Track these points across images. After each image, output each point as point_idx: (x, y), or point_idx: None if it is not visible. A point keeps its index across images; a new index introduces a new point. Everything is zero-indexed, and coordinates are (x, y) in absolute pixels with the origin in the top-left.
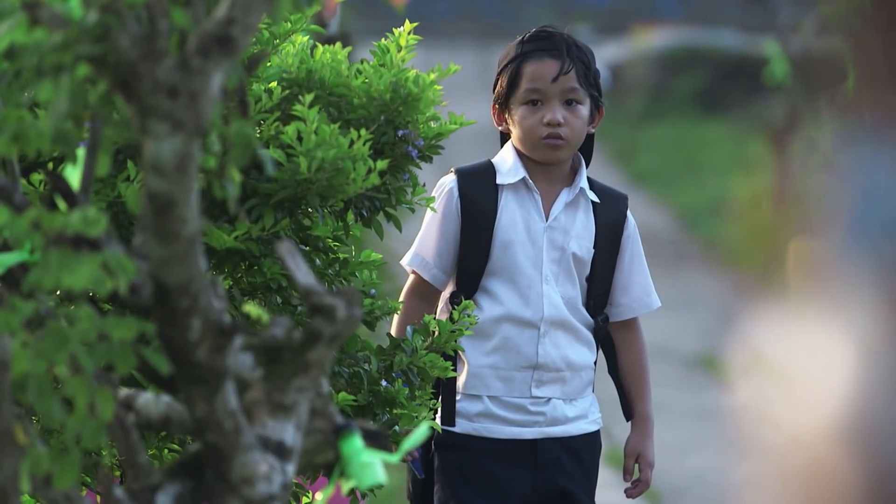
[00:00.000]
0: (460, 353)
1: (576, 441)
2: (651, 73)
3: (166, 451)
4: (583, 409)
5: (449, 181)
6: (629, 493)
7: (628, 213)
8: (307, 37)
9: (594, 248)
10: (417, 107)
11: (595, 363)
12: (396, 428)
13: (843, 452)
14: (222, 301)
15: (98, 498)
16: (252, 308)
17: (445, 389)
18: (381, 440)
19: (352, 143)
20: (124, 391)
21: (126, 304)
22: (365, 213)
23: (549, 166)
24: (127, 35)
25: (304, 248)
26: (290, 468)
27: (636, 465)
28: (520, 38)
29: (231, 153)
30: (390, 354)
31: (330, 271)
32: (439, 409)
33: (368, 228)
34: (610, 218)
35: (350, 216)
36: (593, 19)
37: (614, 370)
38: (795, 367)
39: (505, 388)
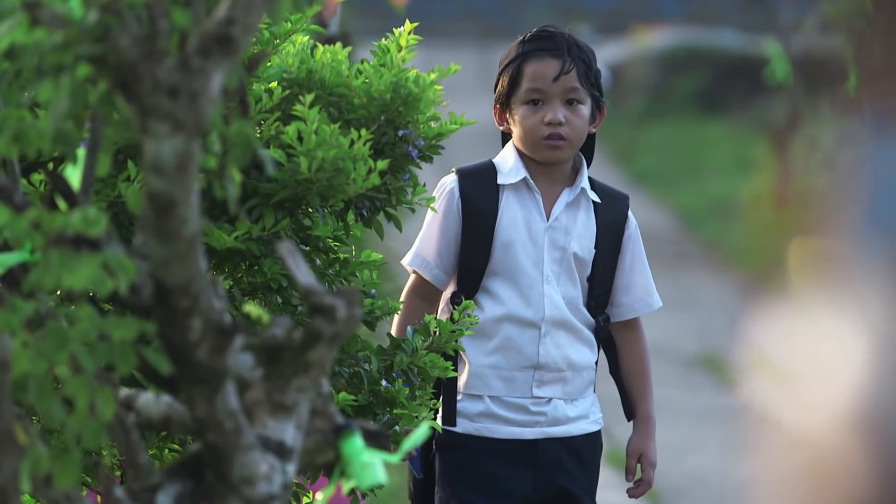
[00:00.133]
0: (461, 352)
1: (577, 441)
2: (651, 73)
3: (167, 451)
4: (584, 409)
5: (450, 181)
6: (631, 493)
7: (629, 213)
8: (307, 37)
9: (595, 248)
10: (418, 107)
11: (596, 363)
12: (397, 428)
13: (851, 449)
14: (223, 301)
15: (98, 498)
16: (252, 308)
17: (446, 389)
18: (381, 440)
19: (352, 143)
20: (125, 391)
21: (126, 304)
22: (365, 213)
23: (550, 166)
24: (127, 35)
25: (304, 248)
26: (291, 468)
27: (638, 465)
28: (521, 37)
29: (231, 153)
30: (391, 354)
31: (330, 271)
32: (440, 409)
33: (369, 228)
34: (611, 218)
35: (350, 216)
36: (593, 19)
37: (615, 370)
38: (798, 366)
39: (506, 388)
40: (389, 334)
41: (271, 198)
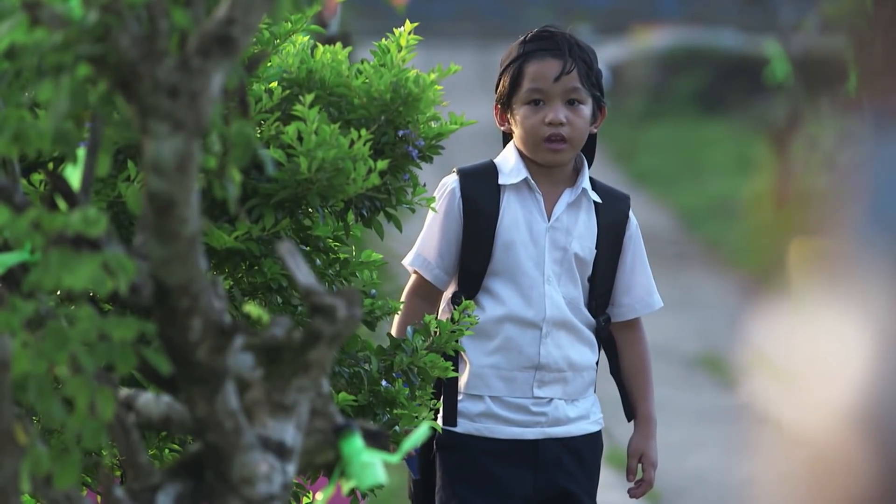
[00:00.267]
0: (462, 353)
1: (577, 441)
2: (651, 73)
3: (167, 451)
4: (584, 410)
5: (451, 181)
6: (632, 493)
7: (630, 213)
8: (307, 37)
9: (596, 248)
10: (418, 107)
11: (597, 363)
12: (397, 428)
13: (852, 449)
14: (223, 301)
15: (98, 498)
16: (252, 308)
17: (447, 389)
18: (381, 440)
19: (352, 143)
20: (125, 391)
21: (126, 304)
22: (365, 213)
23: (551, 167)
24: (127, 35)
25: (304, 248)
26: (291, 468)
27: (639, 466)
28: (522, 37)
29: (231, 153)
30: (391, 354)
31: (330, 271)
32: (441, 409)
33: (369, 228)
34: (612, 218)
35: (350, 216)
36: (593, 19)
37: (616, 370)
38: (798, 365)
39: (507, 389)
40: (389, 334)
41: (271, 198)
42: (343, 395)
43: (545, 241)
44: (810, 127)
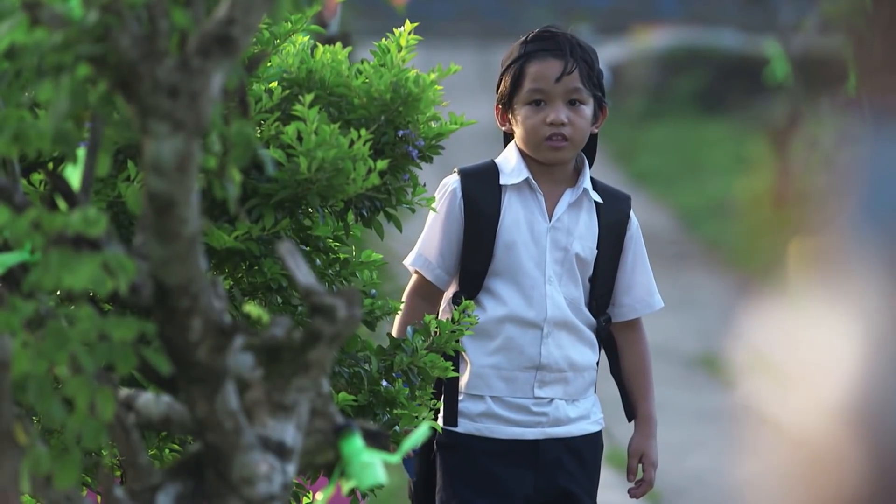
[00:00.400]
0: (463, 353)
1: (578, 441)
2: (651, 73)
3: (167, 451)
4: (585, 410)
5: (452, 181)
6: (633, 493)
7: (631, 213)
8: (307, 37)
9: (597, 248)
10: (418, 107)
11: (597, 363)
12: (397, 428)
13: (850, 448)
14: (223, 301)
15: (98, 498)
16: (252, 308)
17: (448, 389)
18: (381, 440)
19: (352, 143)
20: (124, 391)
21: (126, 304)
22: (365, 213)
23: (552, 167)
24: (127, 35)
25: (304, 248)
26: (291, 468)
27: (639, 465)
28: (523, 38)
29: (231, 153)
30: (391, 354)
31: (330, 271)
32: (442, 409)
33: (369, 228)
34: (613, 218)
35: (350, 216)
36: (593, 19)
37: (616, 370)
38: (797, 365)
39: (508, 389)
40: (389, 334)
41: (271, 198)
42: (343, 395)
43: (546, 241)
44: (810, 127)
